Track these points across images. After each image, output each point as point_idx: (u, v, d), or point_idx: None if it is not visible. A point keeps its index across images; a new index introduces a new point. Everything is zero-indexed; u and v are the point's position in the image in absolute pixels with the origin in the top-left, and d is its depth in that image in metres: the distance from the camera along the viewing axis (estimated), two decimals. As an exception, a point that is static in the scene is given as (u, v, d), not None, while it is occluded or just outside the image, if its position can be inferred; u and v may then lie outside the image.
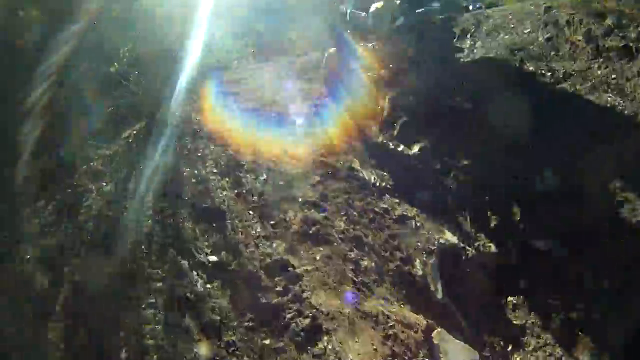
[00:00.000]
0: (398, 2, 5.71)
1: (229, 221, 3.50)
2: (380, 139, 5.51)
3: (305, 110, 5.22)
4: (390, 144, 5.47)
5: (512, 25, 7.37)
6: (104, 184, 3.49)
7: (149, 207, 3.35)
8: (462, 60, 7.02)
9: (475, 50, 7.14)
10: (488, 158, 5.08)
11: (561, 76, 5.51)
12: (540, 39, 6.32)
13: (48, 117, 3.78)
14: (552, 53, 5.92)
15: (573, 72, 5.45)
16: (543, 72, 5.73)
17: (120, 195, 3.39)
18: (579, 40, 5.61)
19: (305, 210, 3.80)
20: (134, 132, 3.86)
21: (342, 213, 3.94)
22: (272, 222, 3.61)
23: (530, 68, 5.89)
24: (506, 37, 7.07)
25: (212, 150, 4.04)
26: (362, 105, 5.66)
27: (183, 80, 4.16)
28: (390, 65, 5.56)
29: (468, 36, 7.40)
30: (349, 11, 6.06)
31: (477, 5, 19.25)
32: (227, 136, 4.29)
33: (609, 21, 5.26)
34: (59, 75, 3.94)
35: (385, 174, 4.81)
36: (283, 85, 5.76)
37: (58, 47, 3.99)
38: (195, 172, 3.76)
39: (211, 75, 5.10)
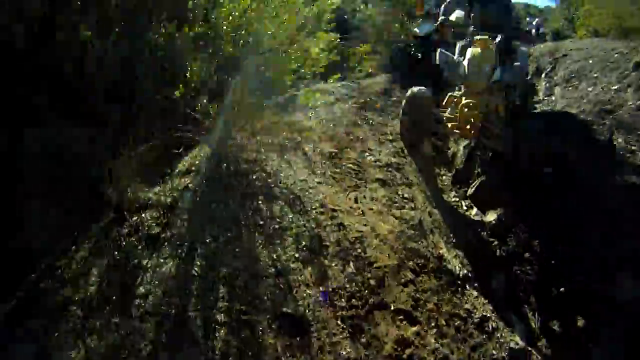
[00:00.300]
0: (494, 49, 4.80)
1: (315, 335, 2.76)
2: (452, 195, 4.86)
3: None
4: (464, 205, 4.81)
5: (594, 75, 6.67)
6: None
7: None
8: (540, 108, 6.32)
9: (554, 98, 6.44)
10: (565, 243, 4.49)
11: None
12: (630, 102, 5.65)
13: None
14: (651, 123, 5.27)
15: None
16: (634, 147, 5.06)
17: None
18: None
19: (398, 322, 3.09)
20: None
21: (432, 324, 3.27)
22: (362, 340, 2.90)
23: (619, 140, 5.22)
24: (589, 88, 6.37)
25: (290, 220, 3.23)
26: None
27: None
28: (481, 124, 4.72)
29: (543, 76, 6.64)
30: (438, 52, 5.11)
31: (541, 31, 18.40)
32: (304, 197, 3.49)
33: None
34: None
35: (462, 253, 4.16)
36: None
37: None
38: (274, 256, 2.96)
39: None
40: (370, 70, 8.91)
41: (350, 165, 4.36)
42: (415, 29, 8.77)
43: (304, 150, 4.30)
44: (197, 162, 3.37)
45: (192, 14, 3.24)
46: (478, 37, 4.89)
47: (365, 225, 3.53)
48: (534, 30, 17.89)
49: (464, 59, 4.88)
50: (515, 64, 5.12)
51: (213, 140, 3.35)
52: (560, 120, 5.78)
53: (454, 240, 4.18)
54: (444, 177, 5.55)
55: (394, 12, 10.05)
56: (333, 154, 4.40)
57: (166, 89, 3.07)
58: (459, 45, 5.75)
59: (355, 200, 3.83)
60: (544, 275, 4.41)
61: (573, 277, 4.16)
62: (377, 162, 4.65)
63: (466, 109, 4.60)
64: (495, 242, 4.55)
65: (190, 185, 3.14)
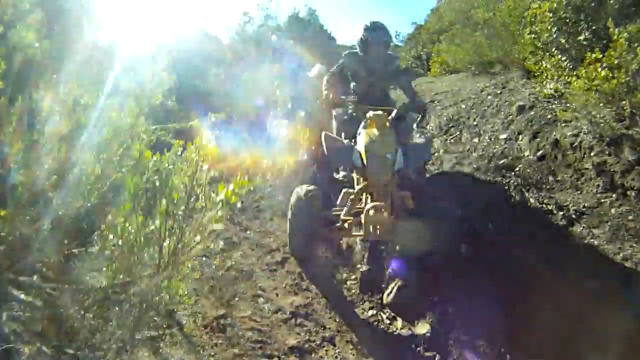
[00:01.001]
0: (392, 128, 4.00)
1: None
2: (367, 308, 3.78)
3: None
4: (384, 318, 3.73)
5: (474, 122, 6.10)
6: None
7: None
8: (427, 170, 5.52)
9: (436, 154, 5.73)
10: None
11: (573, 214, 4.16)
12: (528, 153, 5.05)
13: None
14: (551, 179, 4.65)
15: (584, 209, 4.16)
16: (550, 207, 4.37)
17: None
18: (587, 169, 4.40)
19: None
20: None
21: None
22: None
23: (531, 200, 4.53)
24: (475, 140, 5.75)
25: None
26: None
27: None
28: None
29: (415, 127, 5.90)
30: (323, 135, 4.18)
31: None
32: None
33: (627, 155, 4.08)
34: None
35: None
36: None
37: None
38: None
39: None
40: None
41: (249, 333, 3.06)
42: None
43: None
44: None
45: None
46: (371, 114, 4.01)
47: None
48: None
49: (354, 143, 4.10)
50: (417, 140, 4.41)
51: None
52: (459, 185, 5.00)
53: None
54: (348, 283, 4.38)
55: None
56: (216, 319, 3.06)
57: None
58: (336, 117, 4.80)
59: None
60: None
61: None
62: (281, 313, 3.39)
63: (372, 212, 3.52)
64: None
65: None
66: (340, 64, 4.74)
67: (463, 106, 6.87)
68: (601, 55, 4.35)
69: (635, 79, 4.07)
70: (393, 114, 4.18)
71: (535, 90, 5.99)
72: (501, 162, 5.11)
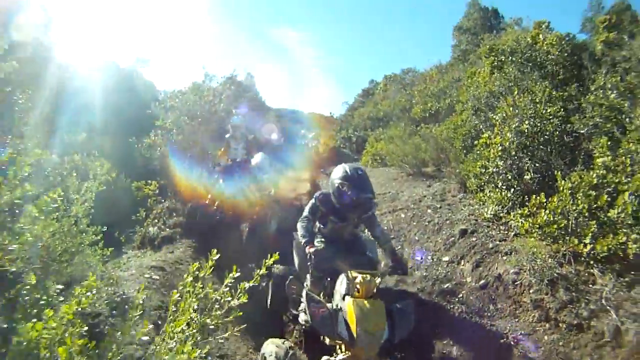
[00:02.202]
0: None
1: None
2: None
3: None
4: None
5: (416, 237, 6.28)
6: None
7: None
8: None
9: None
10: None
11: (511, 341, 4.37)
12: (470, 280, 5.21)
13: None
14: (492, 307, 4.81)
15: (522, 336, 4.41)
16: (490, 332, 4.56)
17: None
18: (525, 302, 4.61)
19: None
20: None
21: None
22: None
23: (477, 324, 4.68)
24: (418, 258, 5.88)
25: None
26: None
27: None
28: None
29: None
30: (305, 295, 3.90)
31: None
32: None
33: (562, 294, 4.34)
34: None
35: None
36: None
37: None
38: None
39: None
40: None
41: None
42: (221, 183, 7.66)
43: None
44: None
45: None
46: (359, 279, 3.76)
47: None
48: (309, 145, 18.54)
49: (339, 308, 3.78)
50: (402, 305, 4.01)
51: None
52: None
53: None
54: None
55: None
56: None
57: None
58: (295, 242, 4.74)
59: None
60: None
61: None
62: None
63: None
64: None
65: None
66: (312, 206, 4.55)
67: (402, 215, 7.05)
68: (545, 200, 4.69)
69: (575, 225, 4.42)
70: (379, 280, 3.97)
71: (474, 210, 6.29)
72: (445, 286, 5.25)
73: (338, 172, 4.35)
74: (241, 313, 2.22)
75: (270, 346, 3.74)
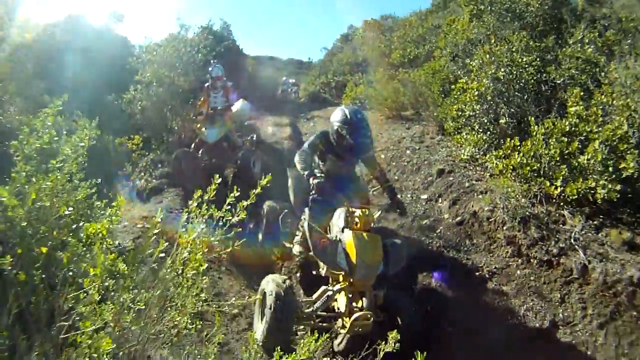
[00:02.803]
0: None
1: None
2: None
3: None
4: None
5: (395, 176, 6.61)
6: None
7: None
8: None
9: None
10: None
11: (486, 274, 4.80)
12: (446, 216, 5.62)
13: None
14: (468, 242, 5.24)
15: (496, 270, 4.81)
16: (468, 266, 4.97)
17: None
18: (499, 238, 5.04)
19: None
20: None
21: None
22: None
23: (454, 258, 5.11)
24: (399, 196, 6.22)
25: None
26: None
27: None
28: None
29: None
30: (306, 224, 4.15)
31: (295, 91, 18.80)
32: None
33: (533, 232, 4.75)
34: None
35: None
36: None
37: None
38: None
39: None
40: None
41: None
42: (204, 131, 7.75)
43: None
44: None
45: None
46: (358, 213, 3.96)
47: None
48: (289, 90, 18.53)
49: (338, 239, 3.95)
50: (396, 241, 4.32)
51: None
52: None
53: None
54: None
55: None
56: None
57: None
58: (291, 177, 4.95)
59: None
60: None
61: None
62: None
63: (357, 320, 3.66)
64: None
65: None
66: (314, 140, 4.68)
67: (382, 156, 7.38)
68: (519, 144, 5.02)
69: (547, 168, 4.78)
70: (377, 215, 4.28)
71: (451, 151, 6.66)
72: (424, 222, 5.65)
73: (337, 115, 4.46)
74: (240, 229, 2.40)
75: (270, 283, 3.84)
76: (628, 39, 6.08)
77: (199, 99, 8.54)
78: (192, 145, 8.00)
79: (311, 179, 4.24)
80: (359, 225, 3.92)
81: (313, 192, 4.46)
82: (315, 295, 4.05)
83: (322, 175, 4.36)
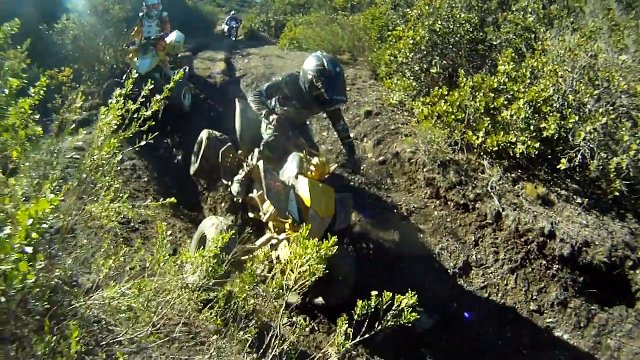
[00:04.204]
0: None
1: None
2: None
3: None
4: None
5: (324, 116, 6.63)
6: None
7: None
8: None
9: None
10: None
11: (405, 212, 5.09)
12: (370, 155, 5.80)
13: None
14: (389, 181, 5.49)
15: (414, 209, 5.12)
16: (388, 203, 5.23)
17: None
18: (419, 179, 5.33)
19: None
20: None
21: None
22: None
23: (375, 195, 5.32)
24: (324, 133, 6.30)
25: None
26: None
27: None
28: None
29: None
30: (263, 177, 3.65)
31: (235, 26, 17.77)
32: None
33: (452, 177, 5.08)
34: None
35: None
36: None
37: None
38: None
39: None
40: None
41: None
42: (135, 61, 7.19)
43: None
44: None
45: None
46: (316, 161, 3.80)
47: None
48: (226, 28, 17.63)
49: (291, 185, 3.68)
50: (345, 195, 4.15)
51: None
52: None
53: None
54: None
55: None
56: None
57: None
58: (240, 108, 4.67)
59: None
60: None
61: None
62: None
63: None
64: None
65: None
66: (278, 82, 4.17)
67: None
68: (447, 93, 5.25)
69: (472, 119, 5.05)
70: (333, 167, 4.11)
71: (381, 95, 6.80)
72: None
73: (312, 63, 3.90)
74: (154, 122, 2.38)
75: (210, 227, 3.51)
76: (571, 17, 6.39)
77: (132, 28, 8.07)
78: (124, 77, 7.43)
79: (271, 116, 3.98)
80: (314, 174, 3.77)
81: (271, 128, 4.14)
82: (257, 243, 3.82)
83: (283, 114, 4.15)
